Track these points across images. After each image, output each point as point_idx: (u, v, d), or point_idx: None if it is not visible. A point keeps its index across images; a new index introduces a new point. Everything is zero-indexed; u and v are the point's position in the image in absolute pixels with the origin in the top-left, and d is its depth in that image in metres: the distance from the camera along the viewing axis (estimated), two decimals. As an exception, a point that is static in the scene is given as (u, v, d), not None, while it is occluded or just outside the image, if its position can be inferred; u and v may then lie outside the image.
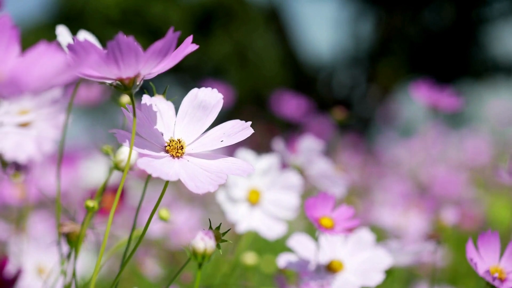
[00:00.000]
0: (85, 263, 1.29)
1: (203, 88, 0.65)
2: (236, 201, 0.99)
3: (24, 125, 0.91)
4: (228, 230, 0.67)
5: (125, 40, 0.53)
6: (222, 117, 0.64)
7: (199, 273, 0.64)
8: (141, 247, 1.69)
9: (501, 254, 0.74)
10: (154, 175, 0.56)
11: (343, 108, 1.62)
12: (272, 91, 3.27)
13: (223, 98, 0.65)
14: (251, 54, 8.35)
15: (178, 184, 0.58)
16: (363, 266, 0.85)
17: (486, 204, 2.64)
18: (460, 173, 2.98)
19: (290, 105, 2.89)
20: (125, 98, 0.94)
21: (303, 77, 8.46)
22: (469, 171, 3.28)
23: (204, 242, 0.63)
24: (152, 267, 1.66)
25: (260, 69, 8.28)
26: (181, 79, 7.89)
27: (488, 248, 0.73)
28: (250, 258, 1.16)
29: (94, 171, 2.20)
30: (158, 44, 0.54)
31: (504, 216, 2.48)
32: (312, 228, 0.81)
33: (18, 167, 0.89)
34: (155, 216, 0.75)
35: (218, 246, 0.65)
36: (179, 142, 0.62)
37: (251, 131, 0.62)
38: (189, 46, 0.58)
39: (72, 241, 0.73)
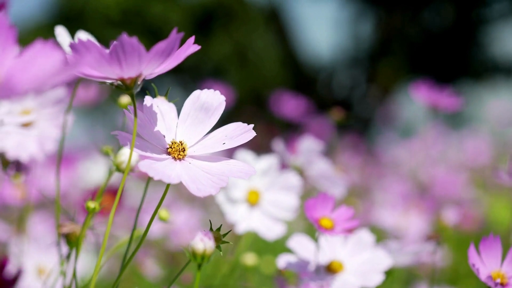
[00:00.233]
0: (84, 263, 1.29)
1: (205, 90, 0.65)
2: (236, 202, 0.99)
3: (26, 125, 0.91)
4: (229, 231, 0.67)
5: (129, 40, 0.53)
6: (222, 118, 0.64)
7: (198, 274, 0.64)
8: (141, 248, 1.69)
9: (503, 258, 0.74)
10: (156, 178, 0.55)
11: (341, 109, 1.62)
12: (272, 92, 3.27)
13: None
14: (251, 54, 8.35)
15: (179, 184, 0.59)
16: (363, 267, 0.85)
17: (486, 204, 2.64)
18: (460, 173, 2.98)
19: (290, 105, 2.89)
20: (125, 99, 0.94)
21: (303, 77, 8.46)
22: (469, 171, 3.28)
23: (203, 243, 0.62)
24: (151, 268, 1.66)
25: (260, 69, 8.28)
26: (181, 80, 7.89)
27: (489, 253, 0.73)
28: (250, 258, 1.15)
29: (93, 172, 2.20)
30: (161, 45, 0.54)
31: (504, 216, 2.48)
32: (312, 229, 0.81)
33: (19, 168, 0.89)
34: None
35: (218, 247, 0.65)
36: (181, 144, 0.62)
37: (253, 134, 0.62)
38: (191, 47, 0.58)
39: (72, 241, 0.73)
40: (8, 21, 0.45)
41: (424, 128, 3.03)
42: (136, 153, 0.58)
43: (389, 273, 0.87)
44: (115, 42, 0.53)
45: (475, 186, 2.95)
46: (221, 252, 0.65)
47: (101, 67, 0.55)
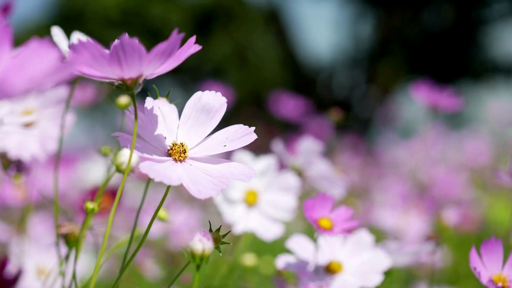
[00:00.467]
0: (83, 264, 1.29)
1: (206, 92, 0.64)
2: (233, 202, 0.99)
3: (28, 125, 0.91)
4: (228, 232, 0.67)
5: (129, 41, 0.52)
6: (222, 118, 0.64)
7: (197, 275, 0.63)
8: (141, 248, 1.69)
9: (504, 261, 0.74)
10: (156, 179, 0.55)
11: (339, 109, 1.62)
12: (272, 92, 3.27)
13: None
14: (251, 55, 8.35)
15: (178, 185, 0.58)
16: (362, 267, 0.85)
17: (486, 205, 2.64)
18: (460, 174, 2.98)
19: (289, 105, 2.89)
20: (123, 99, 0.94)
21: (303, 77, 8.46)
22: (469, 172, 3.28)
23: (202, 244, 0.62)
24: (151, 268, 1.66)
25: (260, 70, 8.28)
26: (180, 80, 7.89)
27: (491, 256, 0.73)
28: (249, 259, 1.15)
29: (93, 173, 2.20)
30: (162, 46, 0.54)
31: (504, 217, 2.48)
32: (311, 229, 0.81)
33: (19, 168, 0.89)
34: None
35: (217, 248, 0.65)
36: (182, 146, 0.61)
37: (254, 136, 0.61)
38: (192, 47, 0.58)
39: (71, 242, 0.73)
40: (3, 19, 0.45)
41: (424, 129, 3.03)
42: (137, 154, 0.58)
43: (388, 273, 0.87)
44: (115, 42, 0.53)
45: (474, 187, 2.95)
46: (220, 253, 0.65)
47: (102, 67, 0.55)
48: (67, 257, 0.77)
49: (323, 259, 0.86)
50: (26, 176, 0.90)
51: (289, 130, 3.92)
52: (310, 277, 0.83)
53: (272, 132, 3.38)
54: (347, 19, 8.87)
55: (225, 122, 0.64)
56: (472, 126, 5.35)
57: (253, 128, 0.62)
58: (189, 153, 0.62)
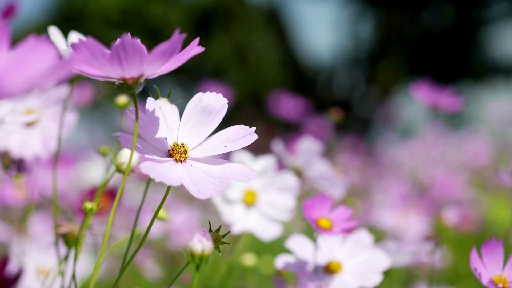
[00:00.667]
0: (82, 263, 1.29)
1: (208, 93, 0.65)
2: (232, 202, 0.98)
3: (30, 124, 0.91)
4: (228, 232, 0.66)
5: (130, 41, 0.53)
6: (222, 118, 0.64)
7: (196, 275, 0.63)
8: (141, 248, 1.69)
9: (505, 262, 0.73)
10: (157, 179, 0.55)
11: (339, 109, 1.62)
12: (272, 92, 3.27)
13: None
14: (251, 55, 8.35)
15: (178, 186, 0.58)
16: (361, 267, 0.85)
17: (485, 205, 2.64)
18: (459, 174, 2.98)
19: (288, 105, 2.89)
20: (122, 99, 0.94)
21: (303, 78, 8.46)
22: (468, 172, 3.28)
23: (201, 244, 0.62)
24: (151, 268, 1.66)
25: (260, 70, 8.28)
26: (180, 80, 7.89)
27: (491, 257, 0.72)
28: (249, 259, 1.15)
29: (92, 173, 2.20)
30: (163, 46, 0.54)
31: (504, 217, 2.48)
32: (311, 229, 0.80)
33: (20, 168, 0.89)
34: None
35: (217, 248, 0.65)
36: (183, 146, 0.61)
37: (255, 137, 0.61)
38: (195, 48, 0.58)
39: (70, 241, 0.73)
40: (1, 20, 0.44)
41: (424, 129, 3.03)
42: (138, 154, 0.58)
43: (388, 273, 0.87)
44: (116, 42, 0.53)
45: (474, 187, 2.95)
46: (220, 253, 0.65)
47: (103, 66, 0.55)
48: (66, 257, 0.77)
49: (322, 259, 0.86)
50: (27, 176, 0.90)
51: (289, 130, 3.92)
52: (310, 277, 0.83)
53: (272, 132, 3.38)
54: (347, 19, 8.87)
55: (225, 122, 0.64)
56: (472, 126, 5.35)
57: (254, 128, 0.62)
58: (189, 154, 0.62)
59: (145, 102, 0.64)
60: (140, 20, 7.62)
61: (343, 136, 4.23)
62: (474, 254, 0.71)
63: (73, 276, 0.74)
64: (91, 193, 1.17)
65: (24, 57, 0.42)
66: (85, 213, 0.73)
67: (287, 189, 0.99)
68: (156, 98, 0.66)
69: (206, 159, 0.62)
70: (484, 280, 0.71)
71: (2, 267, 0.76)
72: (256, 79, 8.08)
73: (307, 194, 1.26)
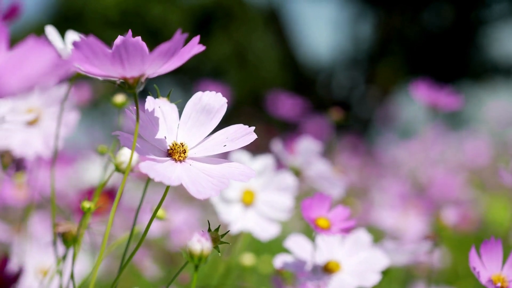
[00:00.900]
0: (81, 263, 1.29)
1: (207, 92, 0.64)
2: (230, 202, 0.98)
3: (31, 123, 0.91)
4: (227, 232, 0.66)
5: (132, 41, 0.52)
6: (221, 118, 0.64)
7: (195, 275, 0.63)
8: (140, 247, 1.69)
9: (504, 261, 0.73)
10: (156, 179, 0.55)
11: (340, 109, 1.61)
12: (270, 92, 3.27)
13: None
14: (251, 55, 8.35)
15: (178, 185, 0.58)
16: (360, 267, 0.85)
17: (484, 205, 2.64)
18: (459, 174, 2.98)
19: (286, 105, 2.89)
20: (119, 98, 0.94)
21: (303, 78, 8.46)
22: (468, 172, 3.28)
23: (200, 244, 0.62)
24: (150, 267, 1.66)
25: (260, 70, 8.28)
26: (180, 80, 7.89)
27: (490, 256, 0.73)
28: (247, 259, 1.15)
29: (92, 172, 2.20)
30: (165, 46, 0.54)
31: (503, 217, 2.48)
32: (310, 229, 0.80)
33: (19, 168, 0.89)
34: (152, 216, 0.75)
35: (216, 248, 0.65)
36: (182, 146, 0.61)
37: (254, 136, 0.61)
38: (195, 47, 0.58)
39: (68, 240, 0.73)
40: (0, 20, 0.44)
41: (424, 129, 3.03)
42: (137, 153, 0.58)
43: (386, 272, 0.87)
44: (117, 41, 0.53)
45: (473, 187, 2.95)
46: (219, 253, 0.65)
47: (104, 65, 0.55)
48: (64, 256, 0.77)
49: (321, 258, 0.86)
50: (26, 175, 0.90)
51: (288, 130, 3.92)
52: (308, 276, 0.83)
53: (271, 132, 3.38)
54: (347, 19, 8.87)
55: (225, 122, 0.64)
56: (472, 126, 5.35)
57: (253, 128, 0.62)
58: (189, 153, 0.62)
59: (144, 102, 0.64)
60: (139, 20, 7.62)
61: (342, 136, 4.23)
62: (473, 253, 0.71)
63: (72, 276, 0.74)
64: (90, 193, 1.17)
65: (24, 57, 0.42)
66: (83, 212, 0.73)
67: (285, 188, 0.99)
68: (156, 97, 0.66)
69: (205, 158, 0.62)
70: (483, 279, 0.71)
71: (2, 266, 0.76)
72: (255, 79, 8.08)
73: (306, 194, 1.26)
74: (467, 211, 2.08)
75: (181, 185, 0.57)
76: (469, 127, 5.48)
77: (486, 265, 0.73)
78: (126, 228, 1.75)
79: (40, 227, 1.55)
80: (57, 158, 0.88)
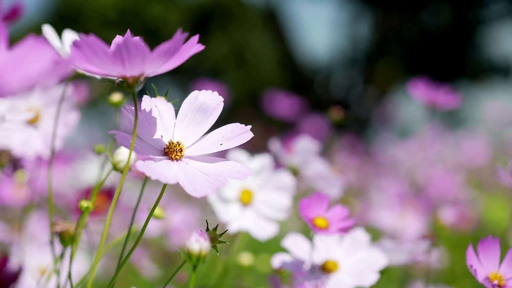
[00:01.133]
0: (78, 262, 1.28)
1: (203, 91, 0.64)
2: (228, 201, 0.98)
3: (31, 122, 0.91)
4: (225, 231, 0.66)
5: (133, 40, 0.52)
6: (219, 118, 0.64)
7: (193, 275, 0.63)
8: (137, 247, 1.69)
9: (501, 260, 0.74)
10: (153, 177, 0.55)
11: (340, 108, 1.61)
12: (268, 92, 3.28)
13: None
14: (249, 55, 8.35)
15: (175, 184, 0.58)
16: (358, 266, 0.85)
17: (482, 205, 2.65)
18: (457, 174, 2.98)
19: (284, 105, 2.89)
20: (116, 97, 0.94)
21: (301, 78, 8.47)
22: (466, 172, 3.29)
23: (198, 244, 0.62)
24: (147, 267, 1.66)
25: (258, 70, 8.28)
26: (178, 80, 7.89)
27: (488, 254, 0.73)
28: (245, 258, 1.15)
29: (89, 172, 2.20)
30: (165, 45, 0.54)
31: (500, 217, 2.49)
32: (308, 229, 0.81)
33: (16, 167, 0.89)
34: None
35: (214, 247, 0.65)
36: (178, 144, 0.61)
37: (250, 135, 0.61)
38: (194, 46, 0.58)
39: (65, 240, 0.73)
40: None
41: (422, 129, 3.03)
42: (134, 152, 0.58)
43: (384, 272, 0.87)
44: (118, 41, 0.53)
45: (471, 187, 2.95)
46: (217, 252, 0.65)
47: (104, 64, 0.55)
48: (61, 255, 0.77)
49: (319, 258, 0.86)
50: (26, 175, 0.91)
51: (286, 130, 3.92)
52: (306, 276, 0.83)
53: (269, 132, 3.38)
54: (345, 19, 8.87)
55: (223, 122, 0.64)
56: (469, 126, 5.36)
57: (249, 126, 0.62)
58: (185, 152, 0.62)
59: (141, 101, 0.64)
60: (137, 19, 7.62)
61: (340, 136, 4.23)
62: (470, 251, 0.71)
63: (69, 275, 0.74)
64: (87, 192, 1.17)
65: (23, 56, 0.42)
66: (81, 212, 0.73)
67: (283, 188, 0.99)
68: (153, 96, 0.66)
69: (201, 157, 0.62)
70: (480, 277, 0.71)
71: (2, 266, 0.76)
72: (254, 79, 8.08)
73: (304, 193, 1.26)
74: (465, 210, 2.09)
75: (179, 184, 0.57)
76: (467, 127, 5.48)
77: (483, 263, 0.73)
78: (124, 228, 1.75)
79: (38, 226, 1.55)
80: (55, 157, 0.88)
